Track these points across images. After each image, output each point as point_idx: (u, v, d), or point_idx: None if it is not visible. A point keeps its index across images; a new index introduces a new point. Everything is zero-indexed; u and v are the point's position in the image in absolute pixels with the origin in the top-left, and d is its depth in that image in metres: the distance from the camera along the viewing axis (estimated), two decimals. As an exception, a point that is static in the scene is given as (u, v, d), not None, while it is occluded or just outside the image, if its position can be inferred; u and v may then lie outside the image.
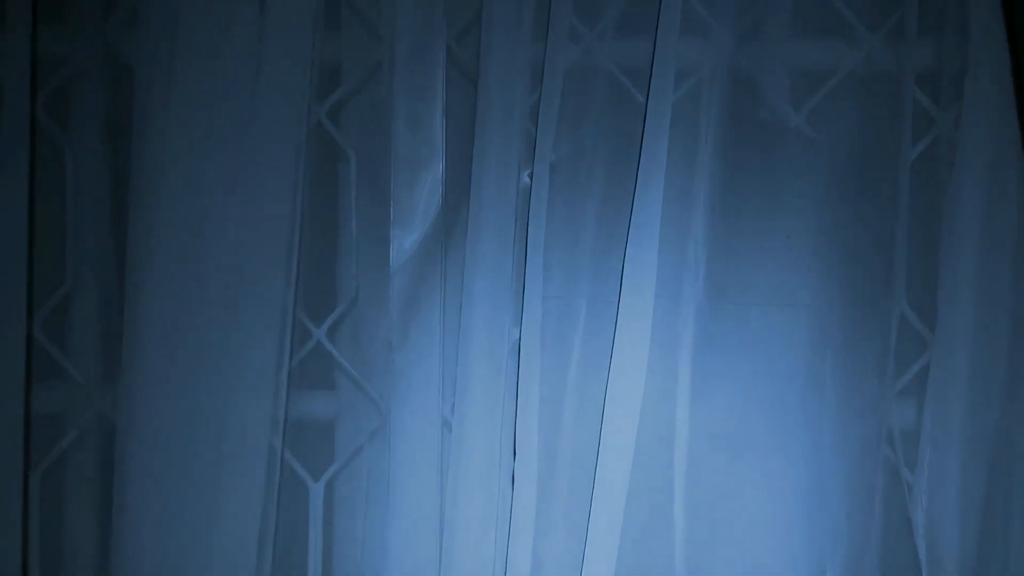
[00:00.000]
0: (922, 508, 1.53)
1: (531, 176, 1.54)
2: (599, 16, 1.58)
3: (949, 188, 1.54)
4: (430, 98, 1.57)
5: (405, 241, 1.56)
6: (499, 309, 1.53)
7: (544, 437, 1.53)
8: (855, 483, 1.55)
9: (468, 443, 1.52)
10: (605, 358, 1.50)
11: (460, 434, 1.52)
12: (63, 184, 1.60)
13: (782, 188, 1.57)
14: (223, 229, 1.54)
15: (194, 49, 1.53)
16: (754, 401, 1.56)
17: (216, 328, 1.54)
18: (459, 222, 1.57)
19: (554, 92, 1.55)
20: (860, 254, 1.56)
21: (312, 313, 1.60)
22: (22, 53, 1.56)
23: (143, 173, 1.53)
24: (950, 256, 1.54)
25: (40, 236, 1.58)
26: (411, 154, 1.56)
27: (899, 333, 1.56)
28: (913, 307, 1.57)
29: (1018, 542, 1.53)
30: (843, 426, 1.55)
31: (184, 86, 1.52)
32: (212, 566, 1.53)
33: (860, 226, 1.56)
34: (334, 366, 1.61)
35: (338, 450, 1.61)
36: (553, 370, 1.54)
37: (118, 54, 1.60)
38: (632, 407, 1.49)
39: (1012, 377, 1.53)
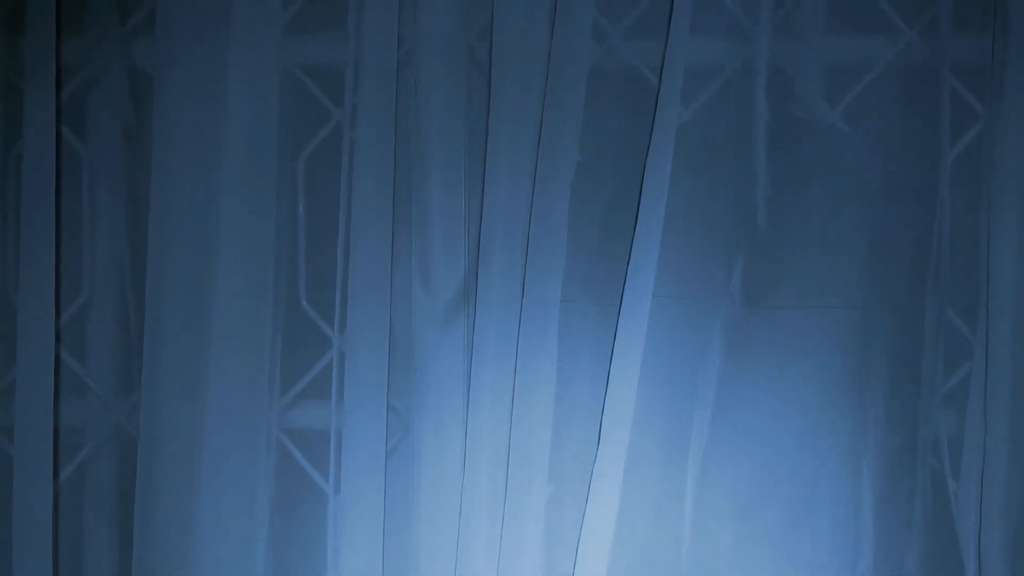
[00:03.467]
0: (968, 518, 1.47)
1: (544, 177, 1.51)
2: (624, 14, 1.54)
3: (992, 185, 1.49)
4: (452, 98, 1.53)
5: (429, 247, 1.53)
6: (513, 313, 1.49)
7: (561, 445, 1.50)
8: (896, 492, 1.49)
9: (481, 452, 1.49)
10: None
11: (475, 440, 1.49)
12: (81, 194, 1.59)
13: (818, 187, 1.52)
14: (237, 237, 1.52)
15: (205, 56, 1.51)
16: (789, 406, 1.51)
17: (232, 339, 1.51)
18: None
19: (578, 90, 1.51)
20: (901, 255, 1.52)
21: (332, 322, 1.57)
22: (46, 63, 1.55)
23: (159, 182, 1.52)
24: (994, 256, 1.48)
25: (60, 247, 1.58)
26: (432, 156, 1.53)
27: (943, 337, 1.50)
28: (957, 310, 1.51)
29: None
30: (883, 433, 1.50)
31: (194, 92, 1.51)
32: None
33: (900, 225, 1.52)
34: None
35: (358, 460, 1.57)
36: (570, 376, 1.51)
37: (135, 61, 1.59)
38: (625, 412, 1.45)
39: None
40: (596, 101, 1.53)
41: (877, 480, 1.50)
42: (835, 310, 1.51)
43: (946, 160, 1.51)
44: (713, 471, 1.51)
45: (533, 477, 1.49)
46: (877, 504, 1.50)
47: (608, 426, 1.46)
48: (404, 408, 1.55)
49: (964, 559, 1.49)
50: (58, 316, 1.58)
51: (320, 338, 1.56)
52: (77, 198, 1.59)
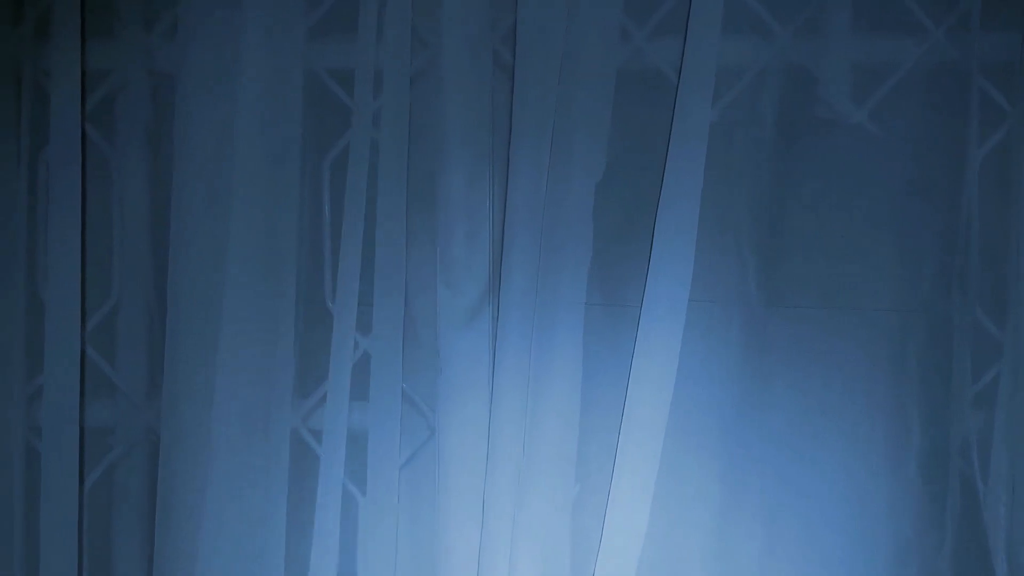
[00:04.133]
0: (998, 521, 1.46)
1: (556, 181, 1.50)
2: (648, 14, 1.54)
3: (1021, 185, 1.47)
4: (477, 101, 1.54)
5: (453, 249, 1.53)
6: (538, 314, 1.49)
7: (587, 446, 1.50)
8: (925, 494, 1.48)
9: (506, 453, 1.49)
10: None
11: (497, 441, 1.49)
12: (109, 196, 1.60)
13: (844, 187, 1.51)
14: (260, 239, 1.53)
15: (226, 60, 1.52)
16: (811, 408, 1.50)
17: (256, 339, 1.52)
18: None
19: (605, 94, 1.51)
20: (928, 255, 1.50)
21: (359, 324, 1.57)
22: (72, 68, 1.57)
23: (181, 184, 1.54)
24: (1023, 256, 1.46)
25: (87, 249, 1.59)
26: (459, 158, 1.53)
27: (972, 338, 1.49)
28: (986, 311, 1.50)
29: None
30: (911, 435, 1.49)
31: (215, 95, 1.52)
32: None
33: (927, 225, 1.50)
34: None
35: (384, 461, 1.57)
36: (594, 377, 1.50)
37: (159, 66, 1.60)
38: (658, 415, 1.44)
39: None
40: (621, 102, 1.53)
41: (906, 482, 1.49)
42: (860, 311, 1.50)
43: (974, 160, 1.49)
44: (740, 473, 1.50)
45: (559, 478, 1.49)
46: (907, 506, 1.48)
47: (634, 428, 1.46)
48: (429, 409, 1.55)
49: (994, 562, 1.47)
50: (88, 318, 1.60)
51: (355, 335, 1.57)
52: (105, 201, 1.61)
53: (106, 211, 1.61)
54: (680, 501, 1.50)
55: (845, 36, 1.52)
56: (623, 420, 1.45)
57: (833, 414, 1.50)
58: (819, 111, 1.52)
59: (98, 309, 1.61)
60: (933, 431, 1.49)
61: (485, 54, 1.54)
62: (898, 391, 1.49)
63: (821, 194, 1.51)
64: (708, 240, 1.48)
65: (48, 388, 1.56)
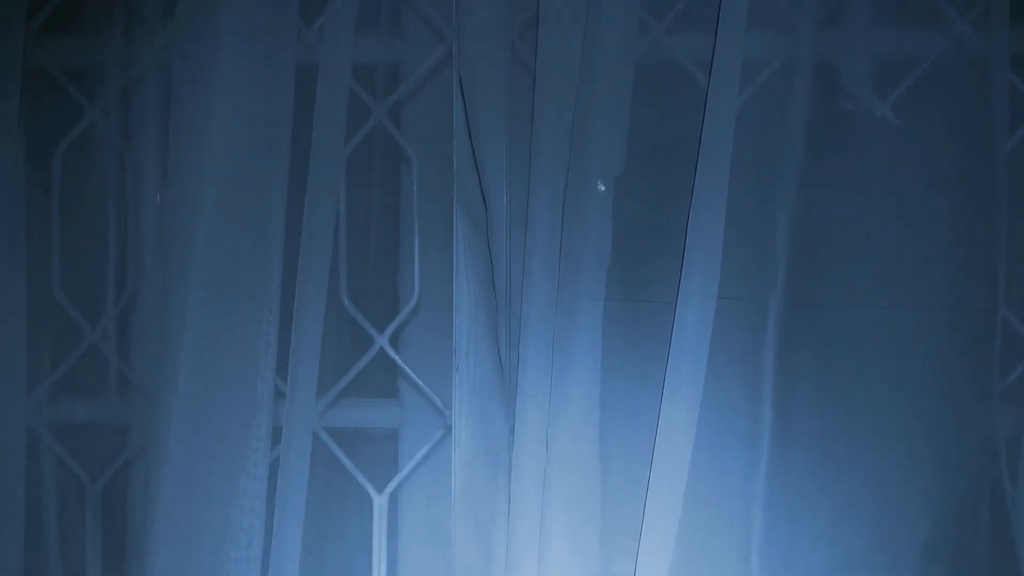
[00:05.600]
0: None
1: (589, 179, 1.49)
2: (667, 8, 1.52)
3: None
4: (494, 97, 1.52)
5: (470, 244, 1.52)
6: (556, 311, 1.47)
7: (609, 445, 1.47)
8: (953, 497, 1.45)
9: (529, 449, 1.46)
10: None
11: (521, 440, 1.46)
12: (124, 191, 1.60)
13: (869, 182, 1.49)
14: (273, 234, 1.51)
15: (237, 52, 1.51)
16: (841, 408, 1.47)
17: (264, 336, 1.50)
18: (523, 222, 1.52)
19: (624, 89, 1.49)
20: (955, 252, 1.47)
21: (374, 320, 1.56)
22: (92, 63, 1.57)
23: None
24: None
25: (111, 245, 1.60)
26: (475, 154, 1.52)
27: (999, 335, 1.46)
28: (1014, 309, 1.47)
29: None
30: (939, 435, 1.46)
31: (228, 90, 1.50)
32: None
33: (955, 222, 1.47)
34: (398, 375, 1.56)
35: (401, 460, 1.56)
36: (614, 375, 1.47)
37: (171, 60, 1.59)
38: (688, 415, 1.42)
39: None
40: (639, 97, 1.51)
41: (932, 483, 1.46)
42: (886, 309, 1.47)
43: (1001, 154, 1.47)
44: (766, 472, 1.47)
45: (582, 478, 1.47)
46: (933, 507, 1.46)
47: (668, 428, 1.44)
48: (445, 406, 1.54)
49: (1021, 566, 1.44)
50: (104, 315, 1.59)
51: (363, 336, 1.56)
52: (122, 197, 1.61)
53: (123, 208, 1.61)
54: (708, 498, 1.47)
55: (868, 28, 1.50)
56: (659, 419, 1.42)
57: (859, 413, 1.47)
58: (843, 104, 1.50)
59: (115, 305, 1.60)
60: (960, 430, 1.46)
61: (503, 47, 1.52)
62: (925, 389, 1.46)
63: (847, 189, 1.49)
64: (734, 236, 1.46)
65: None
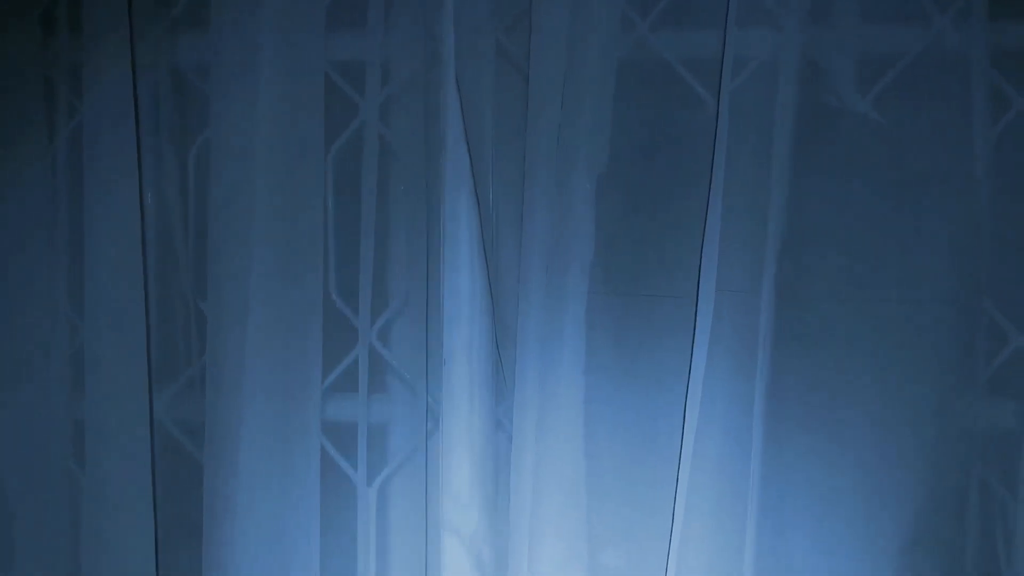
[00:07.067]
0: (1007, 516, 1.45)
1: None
2: (651, 4, 1.54)
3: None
4: (482, 93, 1.54)
5: (457, 239, 1.53)
6: (543, 306, 1.48)
7: (595, 439, 1.49)
8: (937, 488, 1.47)
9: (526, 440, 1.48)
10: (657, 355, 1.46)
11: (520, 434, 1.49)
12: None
13: (852, 178, 1.50)
14: (268, 233, 1.53)
15: (229, 56, 1.53)
16: (826, 400, 1.48)
17: (261, 333, 1.52)
18: (509, 217, 1.53)
19: (607, 85, 1.51)
20: (938, 246, 1.49)
21: (363, 316, 1.57)
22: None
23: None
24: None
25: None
26: (461, 151, 1.53)
27: (983, 328, 1.48)
28: (997, 302, 1.48)
29: None
30: (922, 427, 1.47)
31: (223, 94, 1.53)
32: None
33: (937, 216, 1.49)
34: (386, 369, 1.58)
35: (390, 454, 1.58)
36: (598, 368, 1.49)
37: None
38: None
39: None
40: (623, 94, 1.52)
41: (917, 474, 1.47)
42: (872, 303, 1.49)
43: (982, 148, 1.48)
44: (771, 463, 1.49)
45: (570, 466, 1.48)
46: (918, 498, 1.47)
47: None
48: (434, 400, 1.55)
49: (1004, 562, 1.45)
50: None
51: (350, 332, 1.58)
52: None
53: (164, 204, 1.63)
54: (700, 489, 1.49)
55: (850, 25, 1.51)
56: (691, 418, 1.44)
57: (844, 405, 1.48)
58: (826, 100, 1.51)
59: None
60: (944, 422, 1.47)
61: (490, 44, 1.54)
62: (909, 382, 1.48)
63: (831, 185, 1.50)
64: (723, 231, 1.47)
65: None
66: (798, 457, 1.48)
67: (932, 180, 1.49)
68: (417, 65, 1.56)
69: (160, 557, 1.55)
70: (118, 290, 1.56)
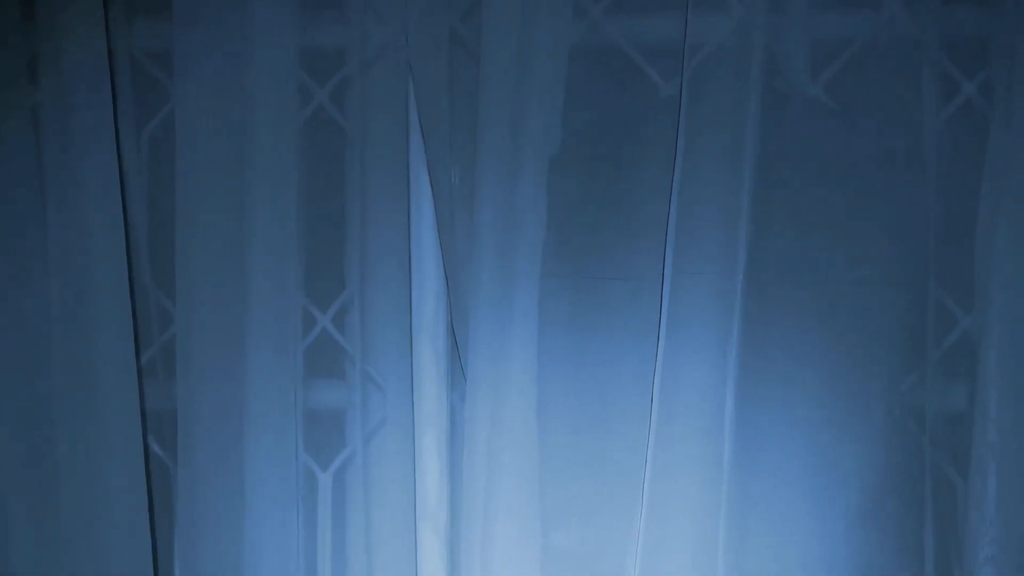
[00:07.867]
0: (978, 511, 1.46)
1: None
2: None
3: (986, 156, 1.47)
4: (437, 80, 1.54)
5: (416, 224, 1.54)
6: (498, 291, 1.50)
7: (548, 418, 1.50)
8: (884, 465, 1.48)
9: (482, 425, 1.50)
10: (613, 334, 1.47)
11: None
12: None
13: (804, 162, 1.51)
14: (227, 218, 1.54)
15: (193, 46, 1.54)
16: (778, 382, 1.50)
17: (222, 319, 1.53)
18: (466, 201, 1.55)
19: (559, 70, 1.51)
20: (886, 229, 1.50)
21: (318, 300, 1.58)
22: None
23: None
24: (985, 233, 1.47)
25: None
26: (416, 137, 1.54)
27: (933, 311, 1.49)
28: (944, 285, 1.49)
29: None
30: (870, 407, 1.49)
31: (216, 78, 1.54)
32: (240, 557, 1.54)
33: (886, 200, 1.50)
34: (343, 354, 1.58)
35: (348, 439, 1.58)
36: (553, 350, 1.51)
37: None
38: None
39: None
40: (576, 77, 1.53)
41: (867, 450, 1.48)
42: (826, 285, 1.50)
43: (931, 133, 1.49)
44: (744, 454, 1.50)
45: (524, 459, 1.50)
46: (869, 474, 1.48)
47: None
48: (391, 385, 1.56)
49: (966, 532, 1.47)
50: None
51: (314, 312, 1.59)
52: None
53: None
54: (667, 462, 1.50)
55: (803, 8, 1.52)
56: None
57: (794, 385, 1.50)
58: (779, 85, 1.51)
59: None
60: (891, 403, 1.49)
61: (442, 30, 1.54)
62: (858, 364, 1.49)
63: (786, 167, 1.51)
64: (685, 212, 1.48)
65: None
66: (753, 439, 1.49)
67: (881, 165, 1.50)
68: (371, 51, 1.56)
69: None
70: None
